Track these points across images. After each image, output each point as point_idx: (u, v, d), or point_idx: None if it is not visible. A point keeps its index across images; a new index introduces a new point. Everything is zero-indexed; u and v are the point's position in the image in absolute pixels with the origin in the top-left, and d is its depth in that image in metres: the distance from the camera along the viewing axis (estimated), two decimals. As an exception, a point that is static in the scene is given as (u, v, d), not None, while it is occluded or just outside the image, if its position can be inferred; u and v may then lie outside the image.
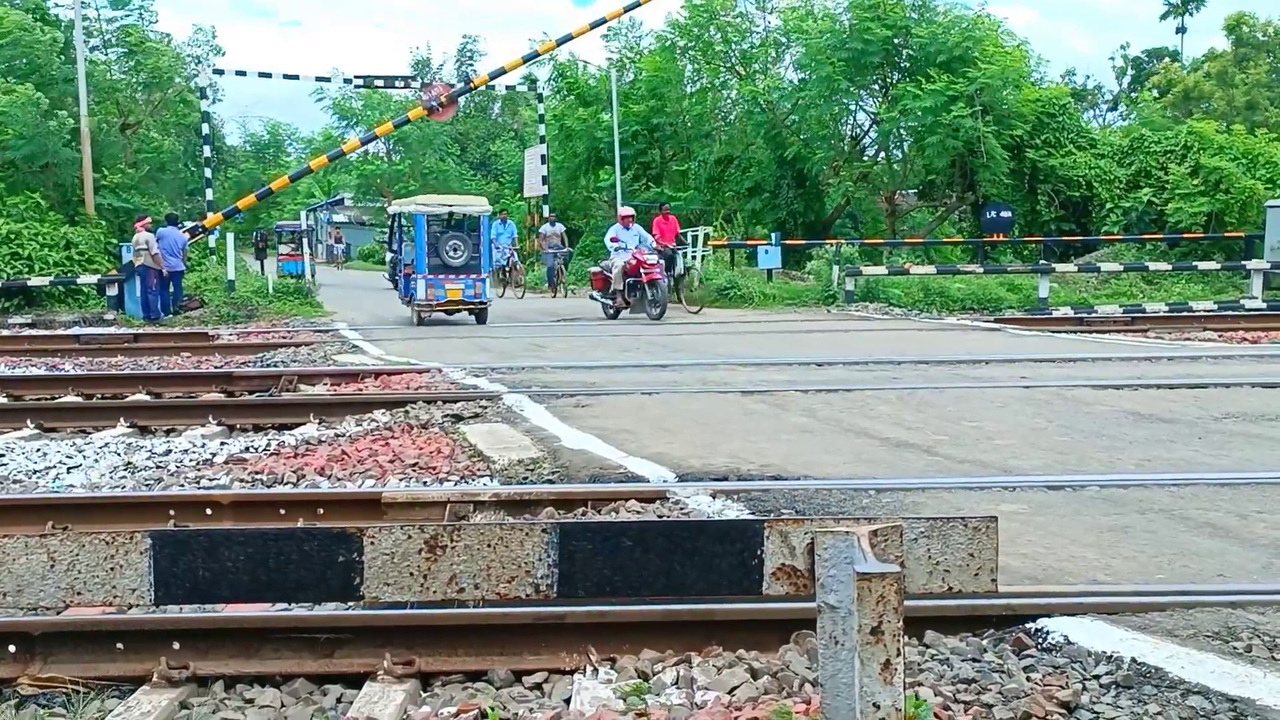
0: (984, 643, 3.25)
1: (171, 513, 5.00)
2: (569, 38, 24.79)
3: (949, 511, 4.67)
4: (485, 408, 7.79)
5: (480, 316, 18.07)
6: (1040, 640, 3.22)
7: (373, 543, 2.38)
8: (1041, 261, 22.02)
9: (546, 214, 28.29)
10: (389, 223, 21.83)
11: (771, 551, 2.38)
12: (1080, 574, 3.87)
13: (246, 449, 6.87)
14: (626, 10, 24.27)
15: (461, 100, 28.32)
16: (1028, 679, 2.96)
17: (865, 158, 28.94)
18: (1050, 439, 6.42)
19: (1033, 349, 11.80)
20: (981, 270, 21.61)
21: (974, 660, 3.12)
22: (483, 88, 42.10)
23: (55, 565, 2.31)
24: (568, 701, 3.09)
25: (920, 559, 2.37)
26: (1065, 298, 20.77)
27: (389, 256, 24.00)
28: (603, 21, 24.72)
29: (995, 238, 25.60)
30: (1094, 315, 17.10)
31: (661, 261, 17.72)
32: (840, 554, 2.21)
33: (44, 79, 23.48)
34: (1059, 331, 14.94)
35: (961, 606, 3.34)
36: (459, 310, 18.11)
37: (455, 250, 17.97)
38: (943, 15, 25.69)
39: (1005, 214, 25.45)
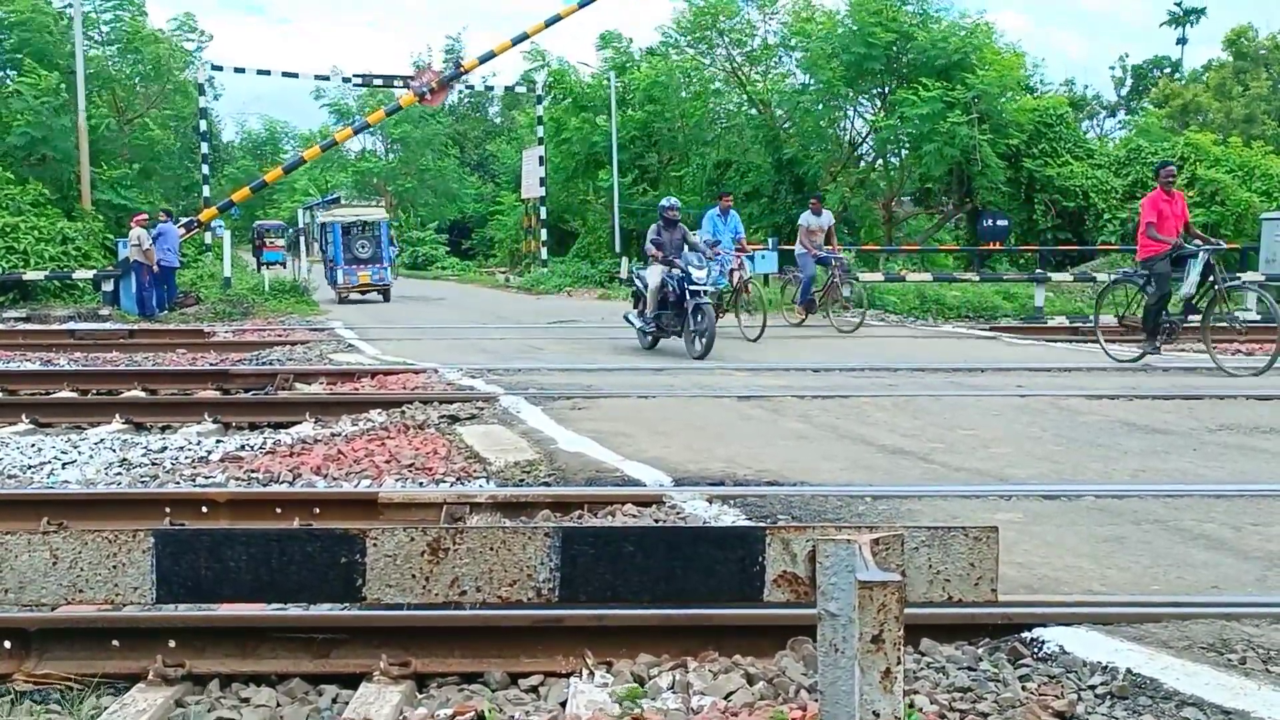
0: (980, 651, 3.26)
1: (167, 510, 4.99)
2: (558, 18, 24.53)
3: (945, 519, 4.68)
4: (482, 409, 7.79)
5: (385, 295, 23.34)
6: (1036, 650, 3.23)
7: (375, 544, 2.38)
8: (1038, 270, 22.03)
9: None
10: (320, 230, 26.27)
11: (773, 559, 2.39)
12: (1076, 584, 3.88)
13: (242, 447, 6.87)
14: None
15: (454, 87, 27.89)
16: (1023, 688, 2.97)
17: (863, 164, 28.96)
18: (1045, 448, 6.43)
19: (1028, 358, 11.83)
20: (978, 278, 21.62)
21: (969, 669, 3.12)
22: (481, 87, 42.12)
23: (58, 563, 2.31)
24: (563, 704, 3.10)
25: (921, 568, 2.38)
26: (1061, 307, 20.81)
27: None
28: (590, 1, 24.46)
29: (991, 246, 25.64)
30: (1089, 325, 17.09)
31: None
32: (842, 562, 2.22)
33: (51, 68, 23.39)
34: (1054, 340, 14.98)
35: (957, 615, 3.35)
36: (370, 291, 23.36)
37: (363, 247, 23.90)
38: (939, 23, 25.69)
39: (1001, 222, 25.50)
